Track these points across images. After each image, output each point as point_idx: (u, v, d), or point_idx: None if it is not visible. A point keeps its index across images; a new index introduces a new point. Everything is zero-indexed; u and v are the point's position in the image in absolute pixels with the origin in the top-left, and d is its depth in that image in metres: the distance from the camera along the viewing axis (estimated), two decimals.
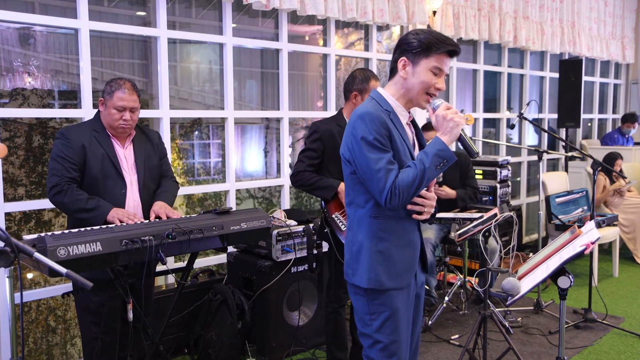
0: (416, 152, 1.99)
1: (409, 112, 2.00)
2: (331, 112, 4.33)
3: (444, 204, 4.23)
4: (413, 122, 2.06)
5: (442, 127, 1.86)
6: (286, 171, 4.22)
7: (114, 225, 2.36)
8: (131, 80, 2.64)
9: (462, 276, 4.15)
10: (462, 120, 1.86)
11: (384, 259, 1.90)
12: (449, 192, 4.06)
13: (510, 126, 4.72)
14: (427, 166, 1.81)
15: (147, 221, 2.48)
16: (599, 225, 4.41)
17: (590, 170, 4.19)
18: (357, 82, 2.88)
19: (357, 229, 1.95)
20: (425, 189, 1.94)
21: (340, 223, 2.85)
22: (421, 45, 1.86)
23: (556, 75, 6.32)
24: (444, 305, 4.03)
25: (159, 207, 2.61)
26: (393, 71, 1.95)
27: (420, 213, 1.94)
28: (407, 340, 1.98)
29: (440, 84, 1.89)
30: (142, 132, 2.78)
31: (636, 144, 6.94)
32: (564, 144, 5.14)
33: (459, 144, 1.95)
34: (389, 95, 1.95)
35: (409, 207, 1.92)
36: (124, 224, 2.40)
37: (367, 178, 1.85)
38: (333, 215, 2.88)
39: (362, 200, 1.93)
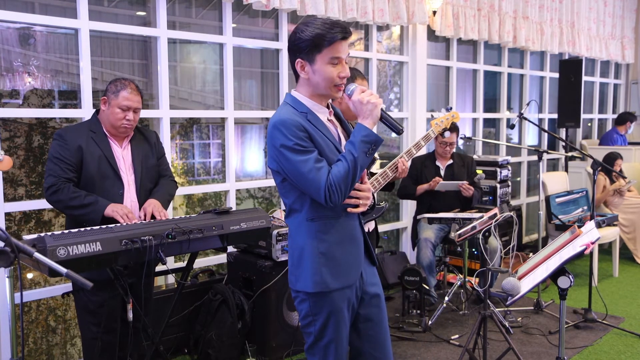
0: (344, 144, 1.95)
1: (329, 107, 1.97)
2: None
3: (449, 203, 4.26)
4: (337, 116, 2.03)
5: (362, 112, 1.85)
6: None
7: (113, 225, 2.36)
8: (134, 82, 2.65)
9: (462, 276, 4.15)
10: (379, 101, 1.84)
11: (327, 260, 1.88)
12: (471, 191, 4.19)
13: (510, 126, 4.72)
14: (357, 155, 1.80)
15: (147, 221, 2.48)
16: (599, 225, 4.41)
17: (590, 170, 4.19)
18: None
19: (296, 235, 1.93)
20: (359, 181, 1.93)
21: None
22: (309, 43, 1.82)
23: (556, 75, 6.32)
24: (444, 305, 4.02)
25: (148, 204, 2.61)
26: (296, 73, 1.93)
27: (356, 206, 1.92)
28: (346, 337, 1.98)
29: (343, 72, 1.86)
30: (140, 132, 2.78)
31: (632, 143, 6.94)
32: (564, 144, 5.14)
33: (385, 123, 1.91)
34: (303, 96, 1.92)
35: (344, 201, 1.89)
36: (123, 223, 2.40)
37: (301, 182, 1.82)
38: None
39: (298, 205, 1.91)
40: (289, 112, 1.87)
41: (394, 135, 4.69)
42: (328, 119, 1.96)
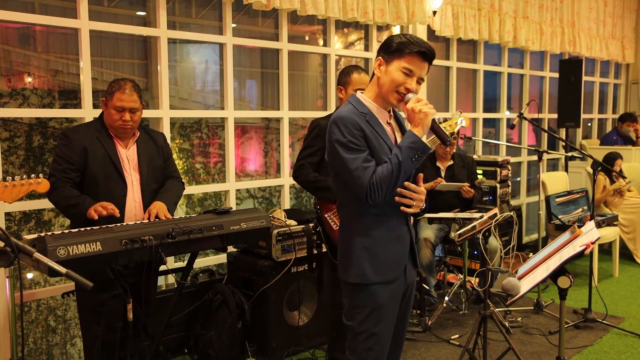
0: None
1: (391, 112, 2.05)
2: (331, 111, 4.33)
3: (449, 203, 4.26)
4: (398, 120, 2.10)
5: (413, 120, 1.92)
6: (286, 171, 4.22)
7: (113, 225, 2.36)
8: (133, 81, 2.65)
9: (462, 276, 4.15)
10: (431, 111, 1.90)
11: (369, 255, 1.96)
12: (471, 193, 4.19)
13: (510, 126, 4.72)
14: (402, 159, 1.87)
15: (147, 221, 2.48)
16: (599, 225, 4.41)
17: (590, 170, 4.20)
18: (341, 76, 2.95)
19: (345, 228, 2.03)
20: (415, 184, 1.99)
21: (332, 222, 2.86)
22: (396, 46, 1.93)
23: (556, 75, 6.32)
24: (444, 305, 4.02)
25: (153, 206, 2.62)
26: (373, 72, 2.02)
27: (408, 206, 1.97)
28: (388, 334, 2.03)
29: (410, 85, 1.93)
30: (147, 133, 2.80)
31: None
32: (564, 144, 5.14)
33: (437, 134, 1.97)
34: (366, 98, 2.01)
35: (397, 199, 1.95)
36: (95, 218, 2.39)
37: (348, 178, 1.91)
38: (325, 215, 2.88)
39: (348, 199, 2.00)
40: (350, 110, 1.95)
41: None
42: (387, 122, 2.03)
